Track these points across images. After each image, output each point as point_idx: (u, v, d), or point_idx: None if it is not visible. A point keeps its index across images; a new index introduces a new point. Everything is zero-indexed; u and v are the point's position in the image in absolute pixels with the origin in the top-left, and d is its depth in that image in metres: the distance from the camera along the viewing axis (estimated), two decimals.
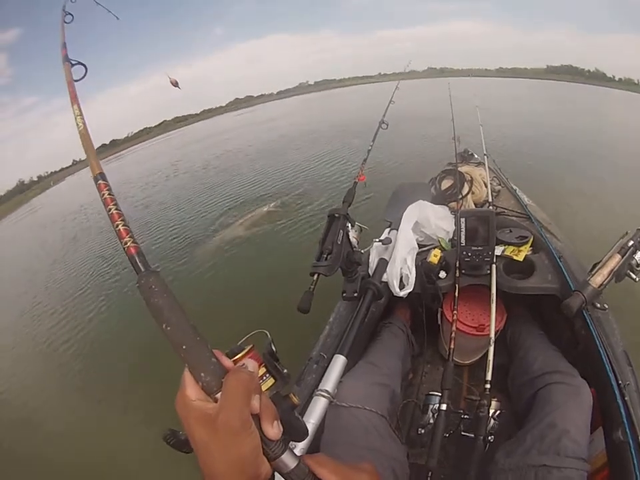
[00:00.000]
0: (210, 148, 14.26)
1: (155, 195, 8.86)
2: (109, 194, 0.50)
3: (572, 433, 0.96)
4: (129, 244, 0.44)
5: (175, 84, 1.61)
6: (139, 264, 0.43)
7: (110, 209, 0.48)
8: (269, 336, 0.54)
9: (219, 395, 0.36)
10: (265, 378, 0.48)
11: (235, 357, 0.46)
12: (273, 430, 0.37)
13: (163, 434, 0.46)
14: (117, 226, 0.46)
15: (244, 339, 0.52)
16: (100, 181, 0.52)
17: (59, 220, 10.45)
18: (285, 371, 0.50)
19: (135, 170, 14.69)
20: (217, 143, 15.62)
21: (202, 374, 0.36)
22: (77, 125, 0.64)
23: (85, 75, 0.77)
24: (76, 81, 0.75)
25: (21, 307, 5.19)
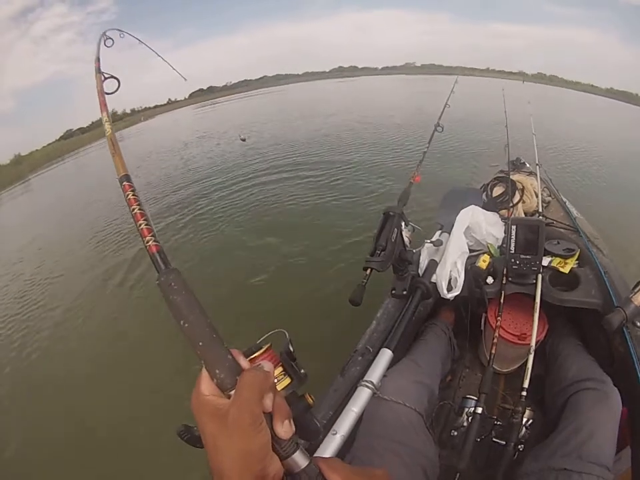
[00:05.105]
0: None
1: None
2: (133, 195, 0.54)
3: (597, 438, 0.99)
4: (150, 242, 0.47)
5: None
6: (160, 262, 0.45)
7: (134, 209, 0.51)
8: (287, 335, 0.55)
9: (232, 392, 0.38)
10: (281, 377, 0.49)
11: (252, 355, 0.47)
12: (283, 429, 0.39)
13: (177, 429, 0.47)
14: (140, 225, 0.49)
15: (262, 338, 0.54)
16: (125, 182, 0.56)
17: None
18: (302, 371, 0.50)
19: None
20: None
21: (217, 371, 0.38)
22: (106, 130, 0.69)
23: (118, 88, 0.85)
24: (109, 93, 0.82)
25: None
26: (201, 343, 0.39)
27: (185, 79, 1.63)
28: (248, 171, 7.46)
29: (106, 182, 8.43)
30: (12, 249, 6.48)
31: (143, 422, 2.35)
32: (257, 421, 0.35)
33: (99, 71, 0.87)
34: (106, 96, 0.81)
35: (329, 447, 0.88)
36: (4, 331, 3.91)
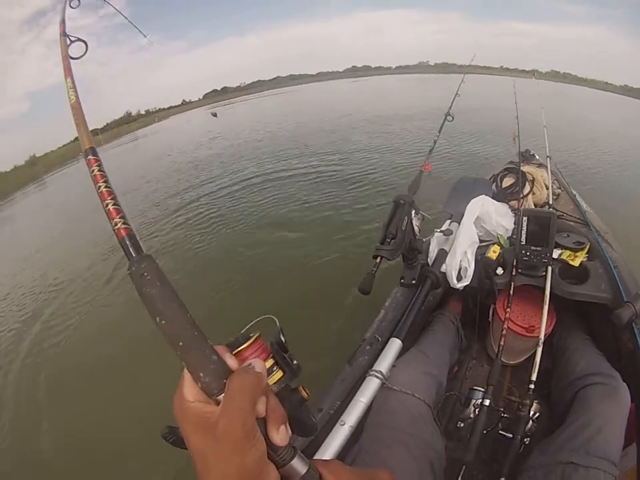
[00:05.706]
0: None
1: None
2: (99, 170, 0.48)
3: (605, 433, 0.99)
4: (119, 225, 0.41)
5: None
6: (131, 248, 0.40)
7: (100, 187, 0.45)
8: (278, 323, 0.49)
9: (221, 397, 0.33)
10: (272, 371, 0.44)
11: (240, 346, 0.42)
12: (279, 436, 0.35)
13: (162, 432, 0.43)
14: (107, 205, 0.43)
15: (249, 325, 0.50)
16: (90, 156, 0.50)
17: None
18: (295, 362, 0.46)
19: None
20: None
21: (201, 374, 0.34)
22: (69, 97, 0.64)
23: (85, 52, 0.79)
24: (74, 58, 0.76)
25: None
26: (181, 343, 0.34)
27: (145, 36, 1.64)
28: (259, 171, 7.55)
29: (121, 178, 8.73)
30: (18, 257, 6.48)
31: (143, 422, 2.32)
32: (251, 432, 0.32)
33: (64, 34, 0.81)
34: (71, 61, 0.75)
35: (337, 438, 0.87)
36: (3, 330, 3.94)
